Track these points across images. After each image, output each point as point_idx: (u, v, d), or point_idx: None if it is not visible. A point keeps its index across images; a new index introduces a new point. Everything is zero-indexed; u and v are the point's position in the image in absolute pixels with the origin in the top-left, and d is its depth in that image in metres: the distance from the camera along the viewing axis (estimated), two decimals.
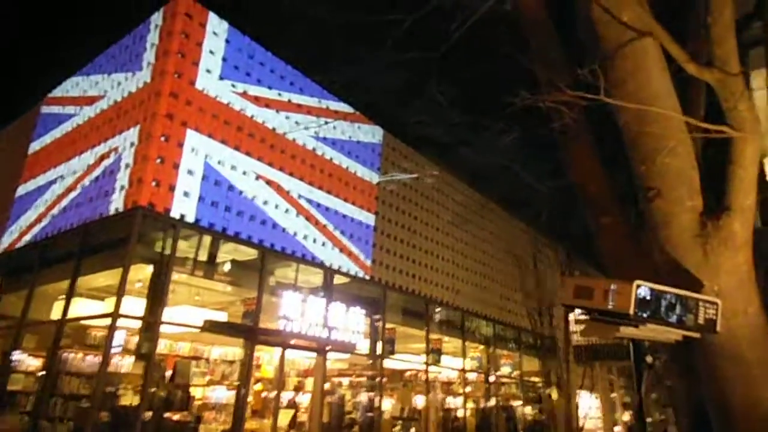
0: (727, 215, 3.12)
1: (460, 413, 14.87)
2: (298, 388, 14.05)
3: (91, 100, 10.87)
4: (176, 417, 8.97)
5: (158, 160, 8.49)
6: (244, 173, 9.82)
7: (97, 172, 9.58)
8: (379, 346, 11.92)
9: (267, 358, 14.91)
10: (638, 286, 2.73)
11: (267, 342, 9.58)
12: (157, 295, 8.41)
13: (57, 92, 12.50)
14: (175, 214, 8.58)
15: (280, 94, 10.87)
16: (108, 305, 10.45)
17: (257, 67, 10.47)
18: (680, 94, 3.28)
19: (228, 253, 9.93)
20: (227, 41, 9.96)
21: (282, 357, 10.02)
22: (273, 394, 13.62)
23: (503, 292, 17.44)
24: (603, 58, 3.10)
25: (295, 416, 11.15)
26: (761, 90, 4.05)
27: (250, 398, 11.90)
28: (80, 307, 11.25)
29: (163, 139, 8.60)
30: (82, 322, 9.64)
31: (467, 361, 15.82)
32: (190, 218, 8.78)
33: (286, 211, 10.52)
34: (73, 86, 11.91)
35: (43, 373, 10.98)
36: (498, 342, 16.75)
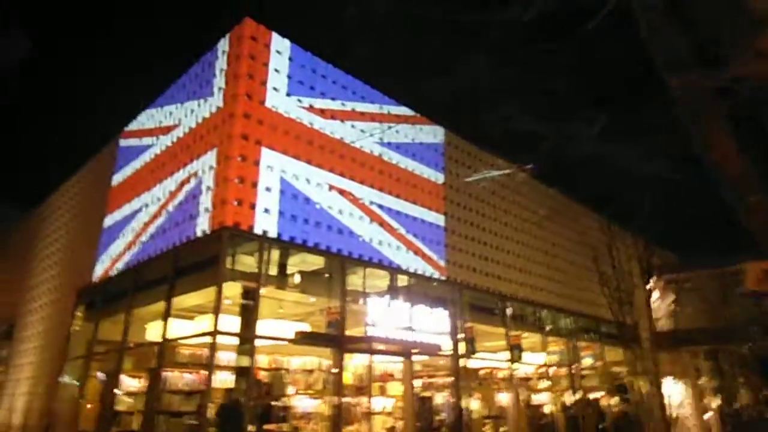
0: None
1: (546, 409, 14.54)
2: (381, 393, 14.17)
3: (166, 130, 11.38)
4: (276, 429, 9.20)
5: (238, 180, 8.77)
6: (318, 185, 10.01)
7: (180, 197, 10.00)
8: (462, 345, 11.84)
9: (344, 365, 15.11)
10: None
11: (355, 349, 9.69)
12: (249, 310, 8.66)
13: (133, 126, 13.16)
14: (258, 230, 8.84)
15: (343, 104, 11.03)
16: (199, 324, 10.88)
17: (320, 80, 10.68)
18: None
19: (305, 264, 10.10)
20: (290, 59, 10.21)
21: (370, 363, 10.12)
22: (356, 400, 13.85)
23: (579, 283, 16.98)
24: (745, 32, 2.96)
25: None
26: None
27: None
28: (171, 328, 11.77)
29: (240, 159, 8.89)
30: (172, 341, 9.98)
31: (548, 355, 15.49)
32: (272, 233, 9.03)
33: (360, 218, 10.65)
34: (148, 118, 12.51)
35: (145, 392, 11.55)
36: (578, 334, 16.30)
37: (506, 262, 14.22)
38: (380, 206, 11.14)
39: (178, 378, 10.89)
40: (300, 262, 10.01)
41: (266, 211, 9.04)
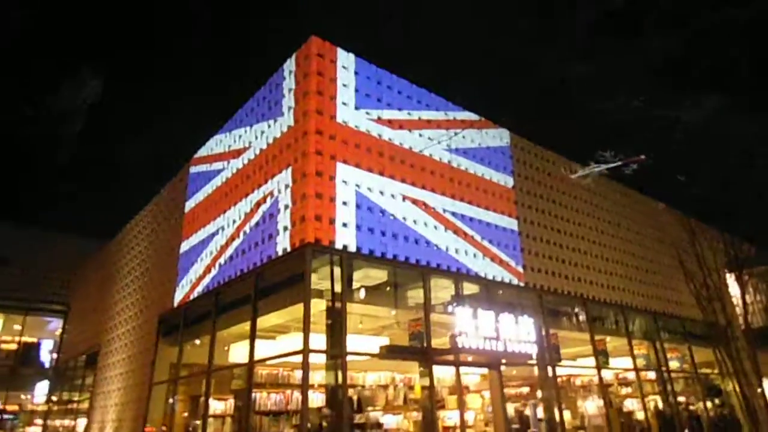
0: None
1: (638, 416, 13.77)
2: (458, 406, 13.82)
3: (237, 153, 11.57)
4: None
5: (316, 196, 8.75)
6: (392, 196, 9.89)
7: (257, 217, 10.08)
8: (546, 353, 11.38)
9: (417, 379, 14.83)
10: None
11: (442, 362, 9.43)
12: (335, 326, 8.57)
13: (202, 152, 13.48)
14: (338, 245, 8.78)
15: (410, 114, 10.92)
16: (280, 343, 10.91)
17: (386, 91, 10.62)
18: None
19: (368, 279, 9.90)
20: (356, 72, 10.20)
21: (457, 375, 9.83)
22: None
23: (661, 281, 16.15)
24: None
25: None
26: None
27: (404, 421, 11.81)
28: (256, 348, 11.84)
29: (317, 175, 8.88)
30: (260, 361, 9.97)
31: (633, 359, 14.74)
32: (352, 247, 8.94)
33: (435, 227, 10.45)
34: (216, 144, 12.78)
35: (231, 414, 11.64)
36: (664, 335, 15.44)
37: (584, 263, 13.67)
38: (453, 214, 10.91)
39: (264, 398, 10.91)
40: (363, 277, 9.84)
41: (345, 225, 8.98)
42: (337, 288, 8.76)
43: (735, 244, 16.13)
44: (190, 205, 13.48)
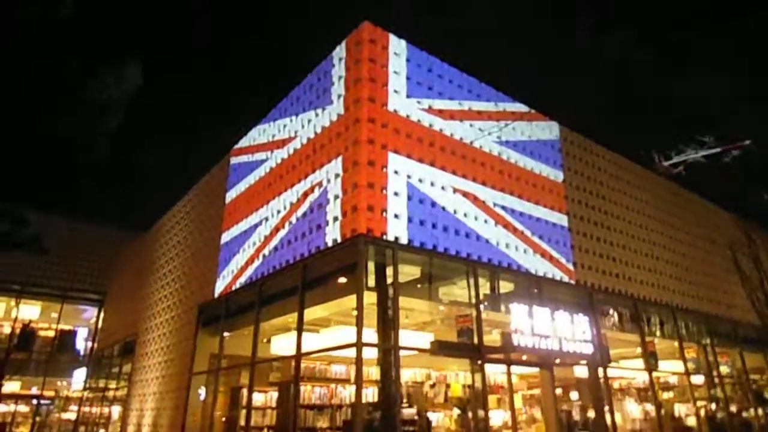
0: None
1: (690, 421, 13.23)
2: (498, 405, 13.51)
3: (281, 143, 11.39)
4: None
5: (368, 186, 8.50)
6: (443, 188, 9.59)
7: (304, 208, 9.88)
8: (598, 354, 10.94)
9: (453, 376, 14.51)
10: None
11: (494, 360, 9.11)
12: (386, 320, 8.32)
13: (243, 142, 13.37)
14: (390, 237, 8.52)
15: (461, 104, 10.59)
16: (324, 336, 10.71)
17: (437, 80, 10.31)
18: None
19: (402, 275, 9.57)
20: (408, 59, 9.91)
21: (508, 374, 9.50)
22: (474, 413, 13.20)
23: (713, 283, 15.51)
24: None
25: None
26: None
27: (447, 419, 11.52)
28: (293, 342, 11.68)
29: (368, 164, 8.63)
30: (307, 354, 9.77)
31: (682, 362, 14.20)
32: (403, 240, 8.67)
33: (485, 221, 10.11)
34: (259, 134, 12.64)
35: (273, 407, 11.50)
36: (715, 338, 14.82)
37: (634, 262, 13.16)
38: (503, 207, 10.56)
39: (308, 392, 10.74)
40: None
41: (396, 216, 8.72)
42: (386, 281, 8.52)
43: None
44: (231, 195, 13.38)
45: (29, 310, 27.84)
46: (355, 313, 10.18)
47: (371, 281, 8.54)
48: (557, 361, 9.72)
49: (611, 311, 12.38)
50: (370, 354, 11.69)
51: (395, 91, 9.46)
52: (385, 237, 8.43)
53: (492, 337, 9.69)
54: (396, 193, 8.85)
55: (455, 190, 9.80)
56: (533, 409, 13.48)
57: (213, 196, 14.66)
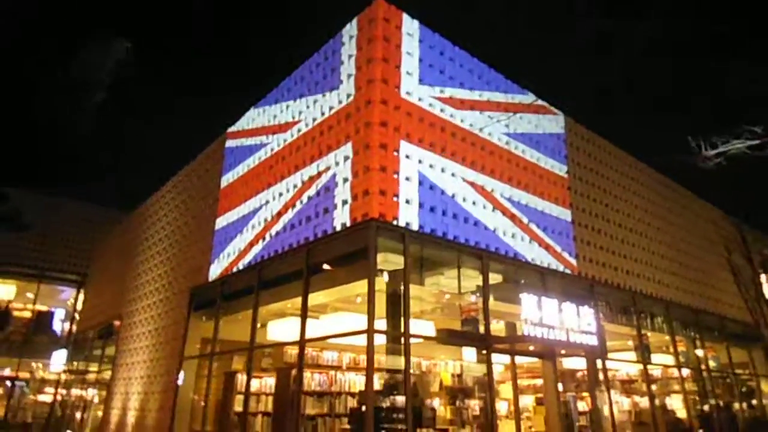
0: None
1: (679, 415, 13.40)
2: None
3: (285, 126, 11.06)
4: None
5: (380, 170, 8.28)
6: (453, 175, 9.42)
7: (311, 191, 9.61)
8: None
9: (443, 365, 14.48)
10: None
11: (500, 350, 9.02)
12: (396, 307, 8.14)
13: (241, 123, 12.98)
14: (401, 222, 8.32)
15: (471, 90, 10.40)
16: (323, 322, 10.52)
17: (449, 64, 10.09)
18: None
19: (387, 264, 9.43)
20: (420, 41, 9.66)
21: (512, 364, 9.43)
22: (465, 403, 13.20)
23: (704, 279, 15.71)
24: None
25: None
26: None
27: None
28: (291, 328, 11.47)
29: (381, 147, 8.40)
30: (312, 340, 9.57)
31: (670, 356, 14.40)
32: (414, 226, 8.49)
33: (493, 210, 9.98)
34: (258, 115, 12.28)
35: (271, 394, 11.28)
36: (704, 333, 15.02)
37: (633, 255, 13.22)
38: (509, 199, 10.44)
39: (308, 378, 10.54)
40: (383, 261, 9.34)
41: (408, 202, 8.51)
42: (392, 267, 8.34)
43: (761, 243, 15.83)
44: (227, 178, 13.00)
45: (5, 290, 27.05)
46: (359, 299, 10.07)
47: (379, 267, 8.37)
48: (563, 351, 9.68)
49: (609, 304, 12.41)
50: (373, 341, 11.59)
51: (408, 73, 9.21)
52: (396, 222, 8.23)
53: (494, 327, 9.62)
54: (408, 178, 8.64)
55: (464, 179, 9.63)
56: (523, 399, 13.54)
57: (207, 177, 14.26)
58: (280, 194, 10.53)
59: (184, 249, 14.29)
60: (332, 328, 10.09)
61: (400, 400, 7.79)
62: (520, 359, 11.78)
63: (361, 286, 9.37)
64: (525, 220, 10.63)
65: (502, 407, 13.16)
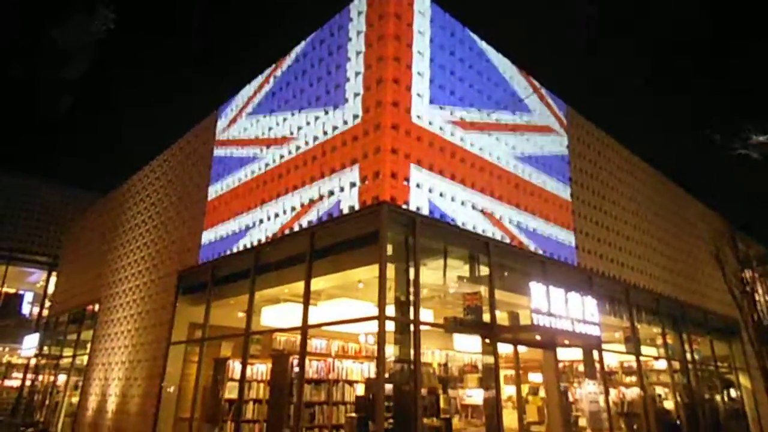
0: None
1: (667, 405, 13.58)
2: (480, 385, 13.50)
3: (283, 102, 10.66)
4: (432, 423, 8.49)
5: (392, 152, 7.99)
6: (462, 162, 9.19)
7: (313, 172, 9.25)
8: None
9: (430, 355, 14.38)
10: None
11: (506, 339, 8.88)
12: (405, 294, 7.90)
13: (235, 102, 12.49)
14: (411, 207, 8.06)
15: (480, 74, 10.17)
16: (321, 309, 10.22)
17: (458, 46, 9.82)
18: None
19: None
20: (431, 20, 9.37)
21: (515, 354, 9.31)
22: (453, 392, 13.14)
23: (691, 273, 15.92)
24: None
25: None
26: None
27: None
28: (286, 313, 11.15)
29: (392, 128, 8.11)
30: (316, 326, 9.26)
31: (657, 348, 14.60)
32: (424, 210, 8.24)
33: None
34: (243, 99, 11.81)
35: (263, 381, 10.96)
36: (690, 326, 15.24)
37: (627, 248, 13.25)
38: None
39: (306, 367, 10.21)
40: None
41: (418, 186, 8.26)
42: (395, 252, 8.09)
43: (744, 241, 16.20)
44: (218, 153, 12.52)
45: None
46: (361, 285, 9.81)
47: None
48: (566, 342, 9.62)
49: (605, 295, 12.42)
50: (370, 329, 11.34)
51: (419, 53, 8.92)
52: (406, 206, 7.97)
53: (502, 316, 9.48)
54: (419, 162, 8.38)
55: (473, 165, 9.43)
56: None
57: (196, 157, 13.73)
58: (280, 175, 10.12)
59: (171, 231, 13.76)
60: (328, 314, 9.81)
61: (407, 388, 7.57)
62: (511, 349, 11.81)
63: (363, 272, 9.15)
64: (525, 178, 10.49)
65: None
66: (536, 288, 8.53)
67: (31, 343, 21.06)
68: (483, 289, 9.04)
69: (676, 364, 14.26)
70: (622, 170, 14.07)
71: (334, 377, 10.57)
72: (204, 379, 11.21)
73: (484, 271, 9.28)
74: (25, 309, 28.32)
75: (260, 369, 11.49)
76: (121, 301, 15.24)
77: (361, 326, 11.02)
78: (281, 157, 10.20)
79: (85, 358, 16.64)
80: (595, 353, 11.11)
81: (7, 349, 27.52)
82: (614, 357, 14.85)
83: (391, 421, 7.40)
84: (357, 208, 8.10)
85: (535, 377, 15.57)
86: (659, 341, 14.58)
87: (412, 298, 7.78)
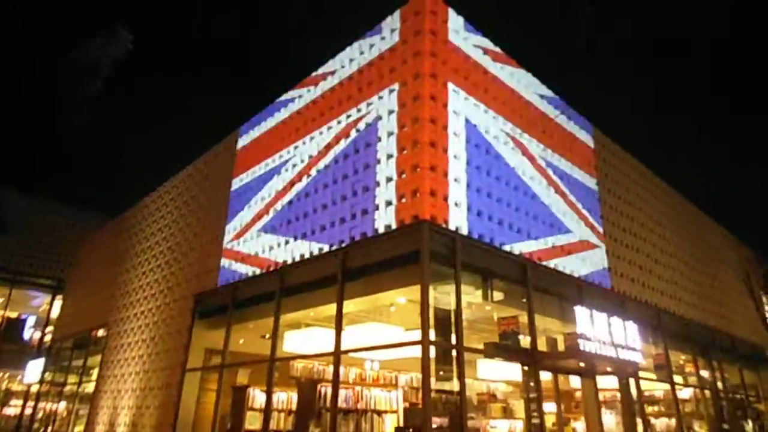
0: None
1: None
2: (503, 414, 13.01)
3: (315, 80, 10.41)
4: None
5: (430, 169, 7.70)
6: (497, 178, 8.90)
7: (343, 188, 8.94)
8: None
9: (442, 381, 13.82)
10: None
11: (548, 366, 8.44)
12: (446, 317, 7.51)
13: (248, 137, 12.26)
14: (452, 226, 7.74)
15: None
16: (350, 334, 9.78)
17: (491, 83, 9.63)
18: None
19: None
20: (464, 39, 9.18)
21: (555, 382, 8.86)
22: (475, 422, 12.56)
23: (720, 299, 15.53)
24: None
25: None
26: None
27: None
28: (311, 339, 10.71)
29: (431, 146, 7.83)
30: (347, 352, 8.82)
31: (685, 376, 14.06)
32: (463, 230, 7.91)
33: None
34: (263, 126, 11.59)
35: (293, 410, 10.46)
36: (719, 353, 14.76)
37: (657, 272, 12.89)
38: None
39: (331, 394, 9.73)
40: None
41: (456, 204, 7.94)
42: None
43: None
44: (240, 179, 12.23)
45: None
46: (393, 309, 9.41)
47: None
48: (608, 369, 9.17)
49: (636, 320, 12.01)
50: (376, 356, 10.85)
51: (455, 90, 8.67)
52: (447, 226, 7.64)
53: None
54: (456, 180, 8.08)
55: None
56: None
57: (215, 178, 13.43)
58: (307, 194, 9.81)
59: (188, 253, 13.39)
60: (355, 340, 9.39)
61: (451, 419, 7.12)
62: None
63: (396, 294, 8.78)
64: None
65: (517, 426, 12.63)
66: (581, 312, 8.13)
67: (34, 369, 20.44)
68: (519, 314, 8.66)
69: (705, 392, 13.74)
70: (647, 191, 13.80)
71: (363, 407, 10.07)
72: (222, 407, 10.70)
73: (498, 296, 8.87)
74: (26, 334, 27.63)
75: (281, 397, 10.97)
76: (132, 325, 14.77)
77: (368, 353, 10.56)
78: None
79: (92, 385, 16.07)
80: (632, 381, 10.62)
81: (7, 375, 26.80)
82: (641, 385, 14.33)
83: None
84: (393, 227, 7.77)
85: (548, 407, 14.86)
86: (687, 369, 14.08)
87: (453, 320, 7.38)
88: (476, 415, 13.11)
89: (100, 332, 16.86)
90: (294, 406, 10.51)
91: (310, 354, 10.07)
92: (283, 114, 11.39)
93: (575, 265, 10.07)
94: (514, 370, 11.16)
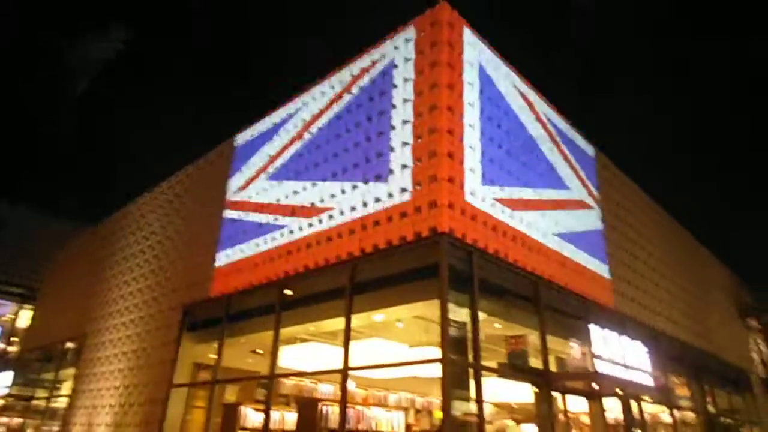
0: None
1: None
2: None
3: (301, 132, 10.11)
4: None
5: (448, 181, 7.47)
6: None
7: (352, 200, 8.64)
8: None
9: (436, 403, 13.58)
10: None
11: (559, 388, 8.21)
12: (462, 334, 7.22)
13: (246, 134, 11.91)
14: (468, 240, 7.50)
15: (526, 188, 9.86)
16: (355, 350, 9.40)
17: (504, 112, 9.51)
18: None
19: None
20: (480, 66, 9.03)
21: (564, 402, 8.62)
22: None
23: (706, 320, 15.62)
24: None
25: None
26: None
27: None
28: (310, 354, 10.32)
29: (449, 181, 7.60)
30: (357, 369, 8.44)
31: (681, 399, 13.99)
32: (480, 244, 7.67)
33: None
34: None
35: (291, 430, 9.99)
36: (708, 377, 14.77)
37: (656, 295, 12.87)
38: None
39: (333, 413, 9.29)
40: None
41: (473, 219, 7.71)
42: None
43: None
44: (236, 182, 11.78)
45: None
46: (400, 325, 9.09)
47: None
48: (619, 391, 8.97)
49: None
50: (403, 373, 10.51)
51: (469, 83, 8.52)
52: (465, 239, 7.40)
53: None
54: (472, 193, 7.86)
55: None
56: None
57: (207, 186, 12.93)
58: (311, 203, 9.46)
59: (176, 262, 12.84)
60: (365, 356, 9.04)
61: None
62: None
63: (405, 309, 8.50)
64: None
65: None
66: (596, 332, 7.94)
67: (3, 381, 19.32)
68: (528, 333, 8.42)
69: (690, 415, 13.69)
70: (646, 215, 13.86)
71: (363, 427, 9.64)
72: (215, 427, 10.14)
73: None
74: None
75: (274, 417, 10.47)
76: (112, 336, 14.07)
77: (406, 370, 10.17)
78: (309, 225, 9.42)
79: (63, 400, 15.24)
80: (633, 404, 10.45)
81: None
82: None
83: None
84: (409, 239, 7.48)
85: (528, 428, 14.48)
86: (679, 391, 14.02)
87: (471, 337, 7.10)
88: None
89: (74, 344, 16.05)
90: (288, 426, 10.05)
91: (316, 371, 9.64)
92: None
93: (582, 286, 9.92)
94: (507, 391, 10.93)
